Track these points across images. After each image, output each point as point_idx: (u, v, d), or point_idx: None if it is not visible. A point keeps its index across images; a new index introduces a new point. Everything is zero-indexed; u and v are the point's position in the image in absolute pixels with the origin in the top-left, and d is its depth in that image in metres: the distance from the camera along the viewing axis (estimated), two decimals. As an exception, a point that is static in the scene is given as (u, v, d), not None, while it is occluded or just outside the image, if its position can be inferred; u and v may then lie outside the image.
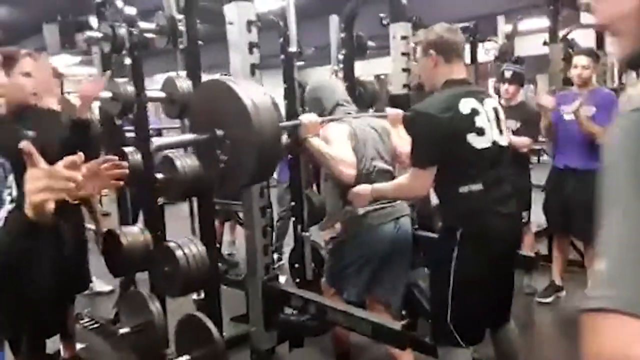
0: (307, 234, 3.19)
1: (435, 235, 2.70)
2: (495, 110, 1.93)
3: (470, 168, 1.84)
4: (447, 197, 1.92)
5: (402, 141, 2.43)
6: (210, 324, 2.26)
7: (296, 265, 3.29)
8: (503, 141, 1.93)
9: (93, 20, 3.58)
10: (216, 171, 1.75)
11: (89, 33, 2.46)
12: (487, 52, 5.27)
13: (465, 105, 1.82)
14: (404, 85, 2.68)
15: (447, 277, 1.84)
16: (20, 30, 8.15)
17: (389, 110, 2.50)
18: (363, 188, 2.14)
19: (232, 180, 1.76)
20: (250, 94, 1.64)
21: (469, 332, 1.88)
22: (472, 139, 1.82)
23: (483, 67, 4.82)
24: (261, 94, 1.69)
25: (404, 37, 2.60)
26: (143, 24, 2.24)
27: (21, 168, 0.97)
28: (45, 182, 0.96)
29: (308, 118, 2.15)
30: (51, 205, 1.00)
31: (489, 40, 5.21)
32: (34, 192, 0.98)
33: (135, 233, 2.56)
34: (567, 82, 3.80)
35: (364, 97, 3.01)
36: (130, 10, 2.38)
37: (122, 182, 1.23)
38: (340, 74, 3.06)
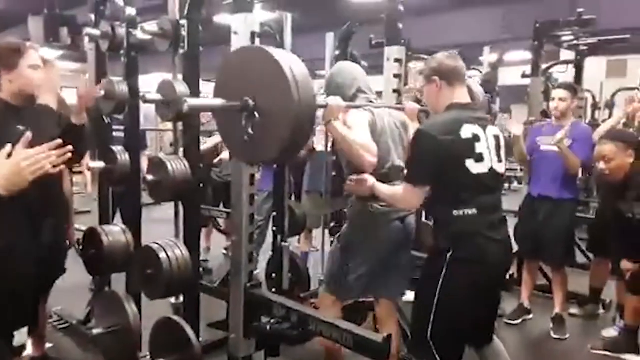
0: (286, 244, 3.22)
1: (420, 255, 2.75)
2: (497, 138, 1.98)
3: (465, 192, 1.87)
4: (441, 219, 1.95)
5: None
6: (188, 329, 2.25)
7: (273, 275, 3.31)
8: (500, 168, 1.97)
9: (82, 17, 3.56)
10: (240, 143, 1.66)
11: (88, 30, 2.45)
12: (470, 79, 5.41)
13: (467, 131, 1.87)
14: (393, 105, 2.75)
15: (432, 295, 1.87)
16: (4, 20, 8.00)
17: (407, 104, 2.50)
18: (367, 178, 2.14)
19: (258, 154, 1.69)
20: (289, 62, 1.57)
21: (447, 350, 1.92)
22: (471, 164, 1.86)
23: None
24: (300, 63, 1.61)
25: (397, 60, 2.68)
26: (147, 26, 2.26)
27: None
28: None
29: (335, 100, 2.08)
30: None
31: (472, 69, 5.37)
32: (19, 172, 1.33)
33: (117, 232, 2.54)
34: (545, 114, 3.95)
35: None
36: (131, 11, 2.39)
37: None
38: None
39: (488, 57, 4.80)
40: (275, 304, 2.09)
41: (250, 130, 1.60)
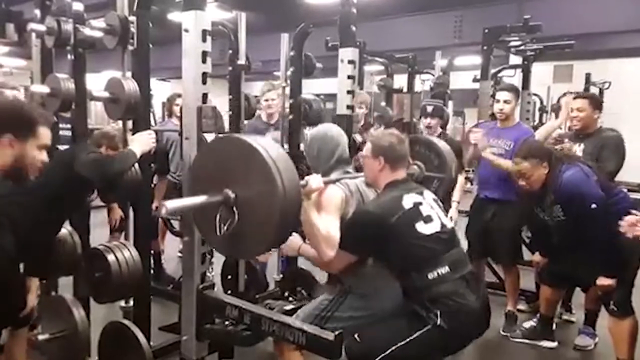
0: (242, 245, 3.19)
1: None
2: (435, 200, 2.09)
3: (428, 253, 1.92)
4: (416, 286, 1.92)
5: None
6: (138, 333, 2.21)
7: (229, 277, 3.28)
8: (449, 224, 2.07)
9: (29, 13, 3.44)
10: (220, 237, 1.63)
11: (32, 25, 2.36)
12: (423, 82, 5.55)
13: (408, 200, 1.97)
14: (348, 107, 2.78)
15: (390, 344, 1.87)
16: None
17: None
18: (294, 240, 2.17)
19: (242, 249, 1.68)
20: (268, 149, 1.53)
21: None
22: (421, 226, 1.93)
23: (417, 97, 5.10)
24: (278, 148, 1.58)
25: (351, 62, 2.71)
26: (94, 22, 2.20)
27: None
28: None
29: (315, 180, 1.99)
30: None
31: (425, 72, 5.49)
32: None
33: (63, 235, 2.47)
34: (494, 117, 4.08)
35: (310, 115, 3.10)
36: (78, 6, 2.32)
37: None
38: (287, 90, 3.17)
39: (439, 61, 4.92)
40: (227, 305, 2.07)
41: (229, 226, 1.57)
